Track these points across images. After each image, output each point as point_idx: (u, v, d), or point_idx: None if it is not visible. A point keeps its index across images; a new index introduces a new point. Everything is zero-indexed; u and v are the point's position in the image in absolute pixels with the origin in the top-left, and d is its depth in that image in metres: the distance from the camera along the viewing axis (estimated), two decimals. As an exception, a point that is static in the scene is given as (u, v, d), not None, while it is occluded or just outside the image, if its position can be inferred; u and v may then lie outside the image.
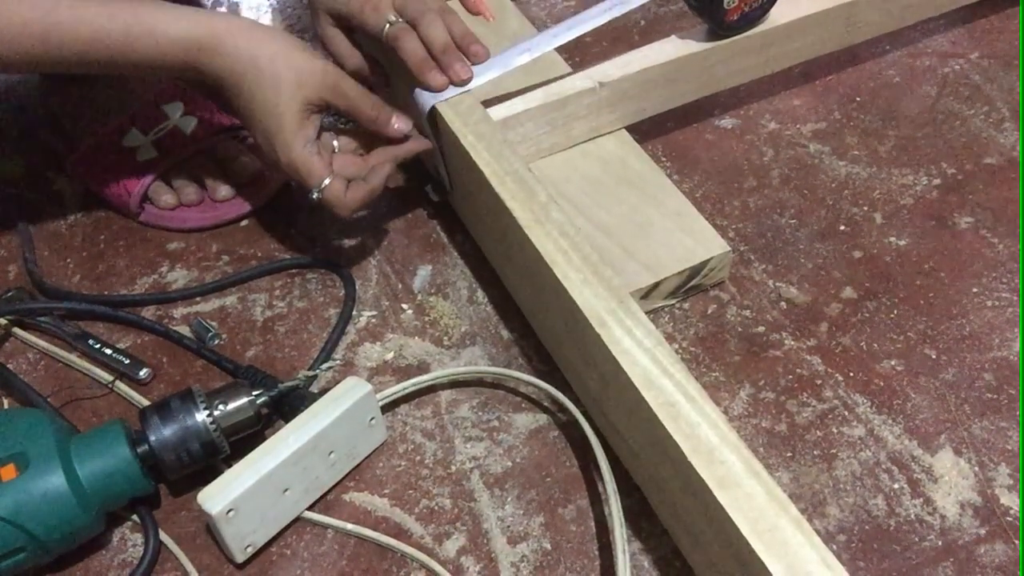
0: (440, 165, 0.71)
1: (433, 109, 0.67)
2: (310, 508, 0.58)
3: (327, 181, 0.65)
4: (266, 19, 0.98)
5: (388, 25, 0.68)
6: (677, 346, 0.66)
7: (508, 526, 0.58)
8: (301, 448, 0.55)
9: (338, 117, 0.72)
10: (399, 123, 0.68)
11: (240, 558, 0.56)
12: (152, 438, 0.55)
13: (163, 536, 0.57)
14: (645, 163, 0.74)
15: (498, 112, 0.69)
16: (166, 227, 0.76)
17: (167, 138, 0.76)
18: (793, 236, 0.73)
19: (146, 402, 0.63)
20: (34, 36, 0.59)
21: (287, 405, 0.61)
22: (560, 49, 0.73)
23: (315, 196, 0.65)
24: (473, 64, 0.68)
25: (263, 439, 0.56)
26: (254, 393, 0.59)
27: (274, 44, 0.63)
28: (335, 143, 0.69)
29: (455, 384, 0.65)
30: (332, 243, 0.75)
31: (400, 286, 0.72)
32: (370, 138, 0.69)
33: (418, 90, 0.68)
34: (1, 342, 0.69)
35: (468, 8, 0.73)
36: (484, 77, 0.68)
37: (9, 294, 0.70)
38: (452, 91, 0.67)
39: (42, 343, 0.68)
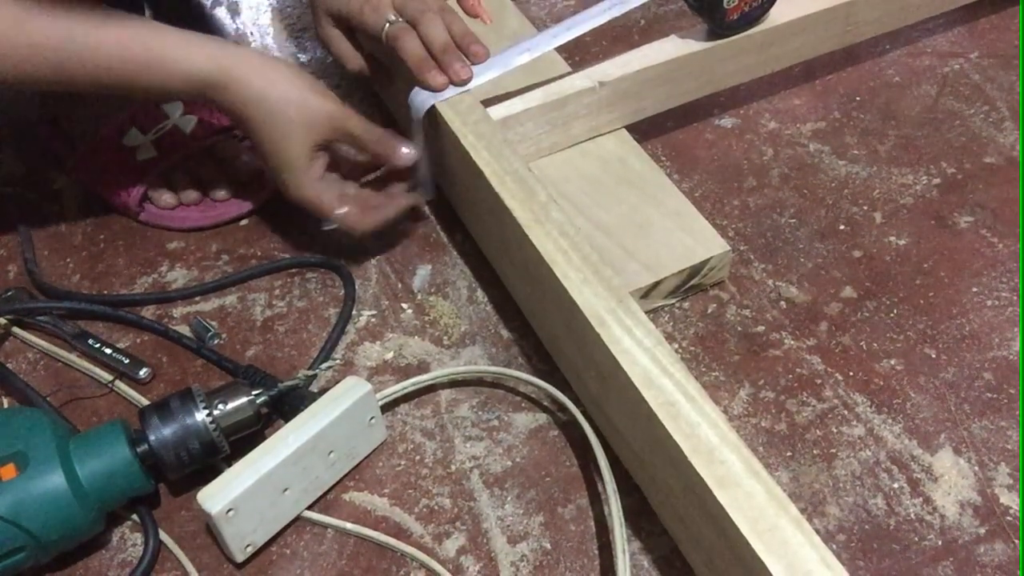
0: (425, 169, 0.71)
1: (432, 108, 0.67)
2: (310, 508, 0.58)
3: (337, 211, 0.67)
4: (265, 18, 0.98)
5: (388, 24, 0.68)
6: (677, 346, 0.66)
7: (508, 525, 0.58)
8: (301, 447, 0.55)
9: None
10: (406, 150, 0.68)
11: (240, 557, 0.56)
12: (152, 437, 0.55)
13: (163, 535, 0.57)
14: (645, 162, 0.74)
15: (498, 112, 0.69)
16: (166, 226, 0.76)
17: (167, 137, 0.76)
18: (793, 235, 0.73)
19: (146, 401, 0.63)
20: (47, 63, 0.60)
21: (287, 404, 0.61)
22: (560, 48, 0.73)
23: (326, 228, 0.69)
24: (473, 64, 0.68)
25: (263, 438, 0.56)
26: (254, 393, 0.59)
27: (284, 85, 0.64)
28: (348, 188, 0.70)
29: (455, 384, 0.65)
30: (332, 242, 0.75)
31: (400, 285, 0.72)
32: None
33: (417, 89, 0.68)
34: (1, 341, 0.69)
35: (466, 11, 0.73)
36: (484, 77, 0.68)
37: (9, 293, 0.70)
38: (452, 91, 0.67)
39: (42, 343, 0.68)
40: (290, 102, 0.64)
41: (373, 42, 0.72)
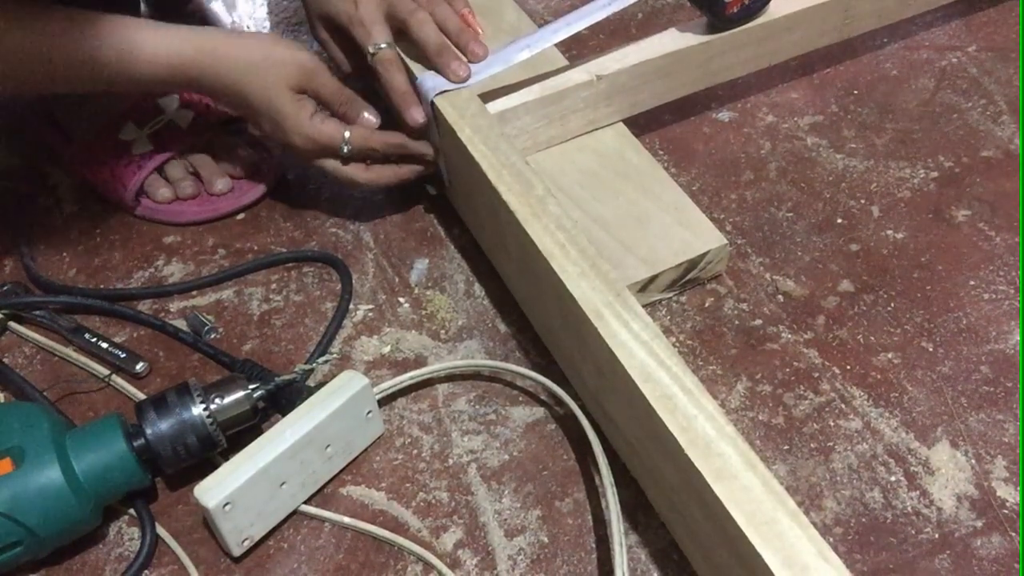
0: (439, 158, 0.71)
1: (433, 103, 0.67)
2: (307, 502, 0.58)
3: (348, 133, 0.68)
4: (262, 12, 0.97)
5: (371, 56, 0.69)
6: (674, 339, 0.66)
7: (505, 519, 0.58)
8: (298, 442, 0.55)
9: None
10: (369, 116, 0.70)
11: (237, 551, 0.55)
12: (148, 432, 0.55)
13: (160, 530, 0.57)
14: (642, 156, 0.74)
15: (495, 106, 0.69)
16: (162, 221, 0.76)
17: (163, 131, 0.76)
18: (790, 229, 0.73)
19: (142, 396, 0.63)
20: (36, 63, 0.60)
21: (284, 399, 0.61)
22: (557, 42, 0.73)
23: (346, 149, 0.69)
24: (472, 63, 0.68)
25: (260, 433, 0.56)
26: (251, 387, 0.59)
27: (254, 46, 0.66)
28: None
29: (452, 378, 0.65)
30: (329, 237, 0.75)
31: (397, 280, 0.71)
32: None
33: (422, 77, 0.68)
34: (-3, 336, 0.69)
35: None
36: (483, 74, 0.68)
37: (5, 288, 0.70)
38: (451, 86, 0.67)
39: (38, 337, 0.68)
40: (261, 59, 0.65)
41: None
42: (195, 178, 0.77)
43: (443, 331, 0.68)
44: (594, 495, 0.58)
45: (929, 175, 0.77)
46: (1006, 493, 0.57)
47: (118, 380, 0.65)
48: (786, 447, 0.60)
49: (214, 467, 0.55)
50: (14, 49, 0.60)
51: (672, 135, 0.81)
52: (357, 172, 0.70)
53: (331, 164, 0.70)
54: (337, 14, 0.70)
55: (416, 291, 0.71)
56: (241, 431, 0.59)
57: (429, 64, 0.69)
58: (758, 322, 0.67)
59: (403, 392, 0.64)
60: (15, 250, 0.74)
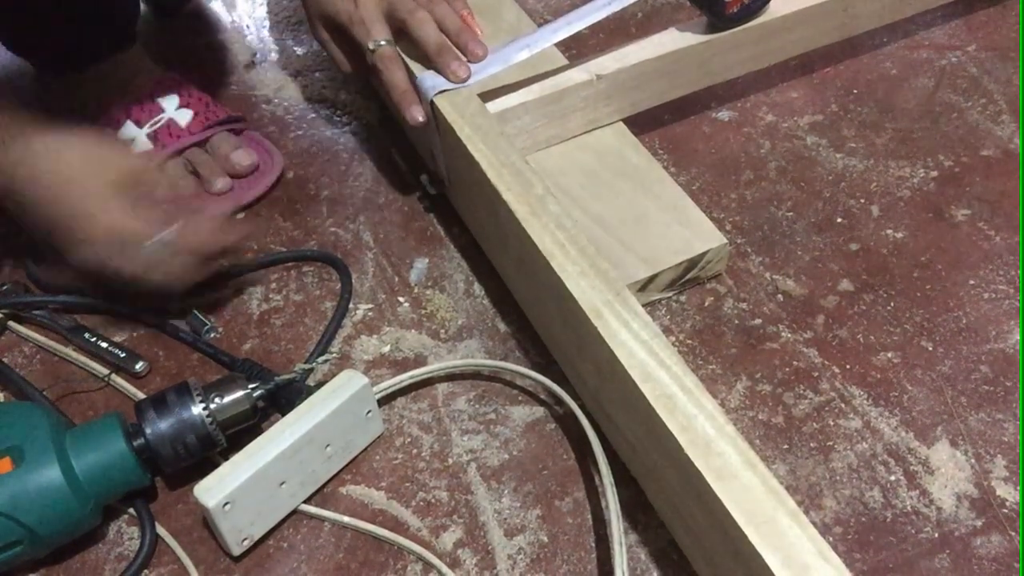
0: (439, 157, 0.71)
1: (432, 102, 0.67)
2: (307, 501, 0.58)
3: (162, 234, 0.60)
4: (261, 11, 0.97)
5: (370, 53, 0.68)
6: (674, 339, 0.66)
7: (505, 519, 0.58)
8: (297, 441, 0.55)
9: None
10: (211, 215, 0.64)
11: (236, 551, 0.55)
12: (148, 431, 0.55)
13: (160, 529, 0.57)
14: (642, 156, 0.74)
15: (495, 105, 0.69)
16: (162, 220, 0.76)
17: (163, 131, 0.75)
18: (790, 229, 0.73)
19: (142, 395, 0.63)
20: None
21: (283, 398, 0.61)
22: (557, 42, 0.73)
23: (147, 245, 0.60)
24: (471, 63, 0.68)
25: (260, 432, 0.56)
26: (250, 386, 0.59)
27: (63, 133, 0.60)
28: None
29: (452, 377, 0.65)
30: (329, 236, 0.75)
31: (397, 279, 0.71)
32: None
33: (422, 76, 0.68)
34: (-3, 336, 0.69)
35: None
36: (483, 74, 0.68)
37: (4, 287, 0.70)
38: (451, 85, 0.67)
39: (38, 337, 0.68)
40: (79, 140, 0.60)
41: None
42: (194, 177, 0.76)
43: (443, 331, 0.68)
44: (594, 495, 0.58)
45: (929, 175, 0.77)
46: (1006, 492, 0.57)
47: (118, 379, 0.65)
48: (786, 446, 0.60)
49: (214, 466, 0.55)
50: None
51: (672, 134, 0.81)
52: (174, 270, 0.63)
53: (136, 268, 0.61)
54: (337, 13, 0.70)
55: (416, 291, 0.71)
56: (241, 430, 0.59)
57: (429, 64, 0.69)
58: (758, 321, 0.67)
59: (403, 392, 0.64)
60: (14, 250, 0.74)
